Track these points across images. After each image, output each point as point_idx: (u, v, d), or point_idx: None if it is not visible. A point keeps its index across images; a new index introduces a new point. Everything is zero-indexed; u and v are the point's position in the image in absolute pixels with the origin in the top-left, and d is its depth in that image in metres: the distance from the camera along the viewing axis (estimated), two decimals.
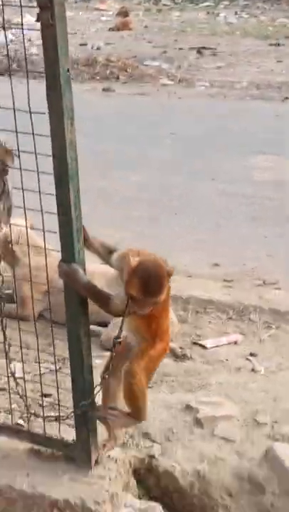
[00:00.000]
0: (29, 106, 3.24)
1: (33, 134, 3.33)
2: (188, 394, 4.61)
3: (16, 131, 3.41)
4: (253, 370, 4.98)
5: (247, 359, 5.13)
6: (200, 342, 5.38)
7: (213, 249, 7.66)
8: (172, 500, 4.06)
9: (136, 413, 3.76)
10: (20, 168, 3.47)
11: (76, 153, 3.32)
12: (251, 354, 5.20)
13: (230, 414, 4.40)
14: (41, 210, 3.47)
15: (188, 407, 4.40)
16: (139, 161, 10.36)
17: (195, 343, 5.38)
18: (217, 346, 5.32)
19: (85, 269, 3.58)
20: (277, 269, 7.10)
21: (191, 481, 4.07)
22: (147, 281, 3.28)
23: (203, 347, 5.32)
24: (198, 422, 4.31)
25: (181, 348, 5.22)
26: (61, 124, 3.20)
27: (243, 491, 4.04)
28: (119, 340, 3.59)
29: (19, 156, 3.48)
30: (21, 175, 3.47)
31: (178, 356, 5.13)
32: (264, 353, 5.21)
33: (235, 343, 5.39)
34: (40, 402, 4.36)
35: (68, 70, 3.18)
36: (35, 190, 3.41)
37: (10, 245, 5.31)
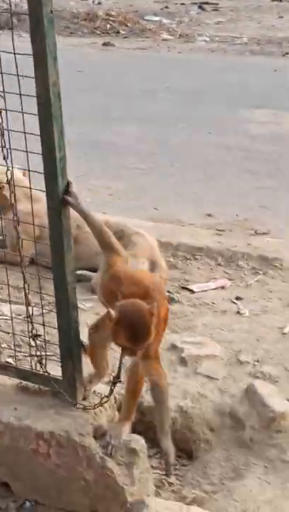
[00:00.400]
0: (13, 46, 3.32)
1: (17, 75, 3.40)
2: (174, 335, 4.74)
3: (1, 73, 3.49)
4: (238, 312, 5.11)
5: (233, 302, 5.25)
6: (188, 286, 5.50)
7: (206, 200, 7.76)
8: (156, 435, 4.18)
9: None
10: (6, 110, 3.55)
11: (59, 93, 3.39)
12: (237, 298, 5.32)
13: (213, 353, 4.53)
14: (26, 150, 3.56)
15: (174, 347, 4.54)
16: (136, 114, 10.42)
17: (183, 288, 5.49)
18: (204, 291, 5.44)
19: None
20: (270, 220, 7.21)
21: (174, 417, 4.20)
22: (133, 332, 3.29)
23: (191, 291, 5.44)
24: (182, 361, 4.45)
25: (168, 292, 5.33)
26: (44, 64, 3.27)
27: (224, 426, 4.18)
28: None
29: (4, 98, 3.56)
30: (6, 117, 3.55)
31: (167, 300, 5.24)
32: (250, 297, 5.33)
33: (223, 287, 5.51)
34: (30, 343, 4.50)
35: (52, 12, 3.26)
36: (19, 131, 3.50)
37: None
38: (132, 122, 10.12)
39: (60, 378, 3.91)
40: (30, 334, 4.32)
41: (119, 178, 8.25)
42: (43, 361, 4.00)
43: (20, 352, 4.24)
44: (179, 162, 8.83)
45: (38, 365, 3.99)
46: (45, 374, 3.95)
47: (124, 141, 9.47)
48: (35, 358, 4.09)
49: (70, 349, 3.83)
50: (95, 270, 5.54)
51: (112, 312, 3.29)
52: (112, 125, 10.04)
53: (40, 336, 4.50)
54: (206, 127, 9.98)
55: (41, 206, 3.88)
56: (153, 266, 5.55)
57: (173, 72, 12.80)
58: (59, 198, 3.58)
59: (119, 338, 3.32)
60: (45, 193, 3.59)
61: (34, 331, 3.93)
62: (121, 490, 3.71)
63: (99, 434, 3.76)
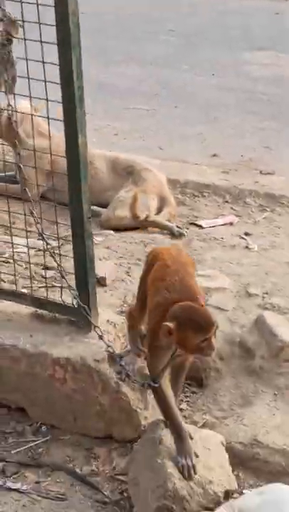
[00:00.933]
0: None
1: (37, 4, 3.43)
2: None
3: (21, 1, 3.51)
4: (246, 247, 5.18)
5: (241, 238, 5.32)
6: (196, 222, 5.57)
7: (211, 141, 7.77)
8: None
9: None
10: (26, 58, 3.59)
11: (78, 23, 3.42)
12: (246, 233, 5.39)
13: (223, 286, 4.61)
14: (46, 99, 3.60)
15: None
16: (138, 57, 10.36)
17: (192, 223, 5.57)
18: (213, 226, 5.51)
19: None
20: (274, 160, 7.23)
21: None
22: (200, 321, 3.19)
23: (200, 227, 5.51)
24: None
25: (178, 227, 5.40)
26: None
27: (234, 356, 4.28)
28: (156, 384, 3.46)
29: (23, 27, 3.59)
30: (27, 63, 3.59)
31: (175, 234, 5.32)
32: (258, 233, 5.40)
33: (231, 224, 5.58)
34: (43, 274, 4.58)
35: None
36: (40, 79, 3.53)
37: (13, 125, 5.41)
38: (134, 64, 10.07)
39: (76, 306, 3.99)
40: (45, 265, 4.42)
41: (123, 119, 8.25)
42: (58, 293, 4.09)
43: (35, 282, 4.32)
44: (182, 104, 8.81)
45: (54, 293, 4.08)
46: (61, 302, 4.04)
47: (127, 83, 9.44)
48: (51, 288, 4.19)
49: (86, 277, 3.91)
50: (105, 206, 5.61)
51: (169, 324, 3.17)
52: (114, 67, 9.99)
53: (52, 268, 4.60)
54: (209, 69, 9.94)
55: (53, 142, 3.92)
56: (162, 202, 5.62)
57: (175, 14, 12.69)
58: (75, 126, 3.62)
59: (190, 339, 3.19)
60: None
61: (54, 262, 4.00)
62: (135, 413, 3.82)
63: (113, 360, 3.84)
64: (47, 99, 3.67)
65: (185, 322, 3.18)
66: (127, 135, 7.82)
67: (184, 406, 4.09)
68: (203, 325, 3.18)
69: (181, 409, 4.06)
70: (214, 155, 7.39)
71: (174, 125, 8.16)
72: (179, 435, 3.40)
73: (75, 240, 3.87)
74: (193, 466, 3.36)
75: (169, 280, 3.36)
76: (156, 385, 3.42)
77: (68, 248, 4.12)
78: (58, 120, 3.64)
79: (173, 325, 3.17)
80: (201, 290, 3.47)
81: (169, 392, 3.45)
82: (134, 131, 7.90)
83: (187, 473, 3.34)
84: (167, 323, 3.18)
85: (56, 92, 3.58)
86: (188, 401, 4.14)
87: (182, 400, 4.13)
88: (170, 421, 3.44)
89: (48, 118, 3.76)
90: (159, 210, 5.59)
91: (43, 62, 3.55)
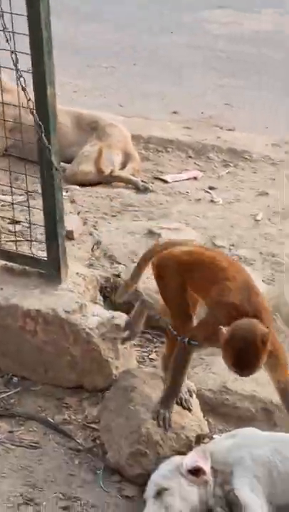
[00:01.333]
0: None
1: None
2: (150, 221, 4.86)
3: None
4: (211, 201, 5.24)
5: (206, 192, 5.38)
6: (161, 177, 5.61)
7: (171, 98, 7.78)
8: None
9: None
10: None
11: None
12: (210, 188, 5.45)
13: (190, 238, 4.65)
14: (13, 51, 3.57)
15: (151, 232, 4.66)
16: (100, 16, 10.28)
17: (156, 178, 5.60)
18: (178, 181, 5.55)
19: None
20: (234, 117, 7.28)
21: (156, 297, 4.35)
22: (242, 359, 3.07)
23: (165, 181, 5.55)
24: None
25: (143, 181, 5.43)
26: None
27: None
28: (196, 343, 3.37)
29: None
30: None
31: (140, 189, 5.35)
32: (222, 187, 5.46)
33: (195, 178, 5.62)
34: (10, 228, 4.59)
35: None
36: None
37: None
38: (94, 23, 9.99)
39: (45, 259, 4.01)
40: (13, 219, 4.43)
41: (83, 77, 8.21)
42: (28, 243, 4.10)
43: (3, 236, 4.33)
44: (143, 62, 8.78)
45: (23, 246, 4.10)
46: (31, 255, 4.05)
47: (87, 42, 9.38)
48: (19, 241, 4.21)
49: (55, 230, 3.93)
50: (69, 161, 5.62)
51: (224, 330, 3.09)
52: (76, 25, 9.91)
53: (19, 222, 4.61)
54: (168, 28, 9.91)
55: (14, 97, 3.89)
56: (126, 157, 5.64)
57: None
58: (44, 79, 3.62)
59: (228, 360, 3.13)
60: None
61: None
62: (106, 363, 3.86)
63: None
64: (14, 52, 3.64)
65: (233, 346, 3.08)
66: (87, 92, 7.79)
67: (153, 356, 4.15)
68: (239, 365, 3.10)
69: (151, 359, 4.13)
70: (174, 112, 7.40)
71: (134, 83, 8.15)
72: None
73: (44, 193, 3.88)
74: (170, 420, 3.41)
75: (235, 282, 3.24)
76: (195, 343, 3.36)
77: (36, 203, 4.14)
78: (26, 72, 3.62)
79: (225, 334, 3.08)
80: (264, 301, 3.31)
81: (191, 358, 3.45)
82: (94, 89, 7.88)
83: (163, 422, 3.40)
84: (223, 329, 3.09)
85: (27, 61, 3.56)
86: (157, 351, 4.20)
87: (152, 351, 4.19)
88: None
89: (16, 70, 3.74)
90: (124, 165, 5.61)
91: (11, 14, 3.53)
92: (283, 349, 3.32)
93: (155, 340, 4.29)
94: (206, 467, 3.26)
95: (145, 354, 4.19)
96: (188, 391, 3.59)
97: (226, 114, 7.39)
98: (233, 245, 4.62)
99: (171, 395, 3.44)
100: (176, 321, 3.47)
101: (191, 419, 3.52)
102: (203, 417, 3.63)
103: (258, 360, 3.07)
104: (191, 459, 3.27)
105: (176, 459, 3.31)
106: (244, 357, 3.06)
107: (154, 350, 4.21)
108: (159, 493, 3.19)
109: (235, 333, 3.06)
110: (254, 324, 3.09)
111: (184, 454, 3.35)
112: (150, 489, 3.23)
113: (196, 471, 3.24)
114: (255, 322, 3.10)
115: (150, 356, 4.15)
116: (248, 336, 3.04)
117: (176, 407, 3.49)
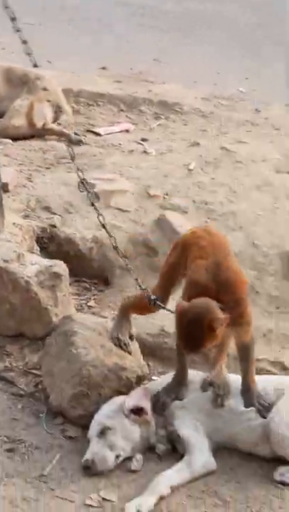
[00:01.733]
0: None
1: None
2: (84, 172, 4.87)
3: None
4: (144, 152, 5.28)
5: (139, 143, 5.42)
6: (94, 130, 5.63)
7: (99, 54, 7.77)
8: (73, 265, 4.36)
9: None
10: None
11: None
12: (142, 139, 5.49)
13: (124, 188, 4.72)
14: None
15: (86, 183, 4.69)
16: None
17: (89, 131, 5.62)
18: (110, 133, 5.58)
19: None
20: (163, 73, 7.32)
21: (90, 247, 4.40)
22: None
23: (97, 134, 5.57)
24: (95, 196, 4.61)
25: (76, 134, 5.45)
26: None
27: (138, 254, 4.42)
28: None
29: None
30: None
31: (73, 142, 5.35)
32: (154, 139, 5.50)
33: (127, 131, 5.66)
34: None
35: None
36: None
37: None
38: None
39: None
40: None
41: (11, 34, 8.12)
42: None
43: None
44: (71, 17, 8.74)
45: None
46: None
47: None
48: None
49: None
50: (0, 116, 5.60)
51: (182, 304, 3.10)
52: None
53: None
54: None
55: None
56: (57, 110, 5.64)
57: None
58: None
59: (176, 333, 3.15)
60: None
61: None
62: (45, 311, 3.90)
63: None
64: None
65: (180, 325, 3.09)
66: (14, 49, 7.70)
67: (92, 303, 4.21)
68: (184, 343, 3.12)
69: (89, 307, 4.19)
70: (103, 68, 7.40)
71: (62, 38, 8.11)
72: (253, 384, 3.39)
73: None
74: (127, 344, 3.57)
75: (205, 260, 3.24)
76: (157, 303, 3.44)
77: None
78: None
79: (178, 309, 3.10)
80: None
81: None
82: (21, 45, 7.79)
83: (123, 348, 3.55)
84: (181, 302, 3.11)
85: None
86: (95, 299, 4.26)
87: (90, 298, 4.25)
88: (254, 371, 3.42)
89: None
90: (56, 119, 5.61)
91: None
92: (250, 318, 3.28)
93: (92, 288, 4.35)
94: (147, 406, 3.36)
95: (83, 302, 4.25)
96: (130, 335, 3.66)
97: (154, 69, 7.43)
98: (167, 194, 4.69)
99: None
100: (155, 286, 3.52)
101: (132, 361, 3.59)
102: (143, 359, 3.70)
103: (202, 344, 3.05)
104: (132, 399, 3.37)
105: (119, 399, 3.40)
106: (188, 337, 3.07)
107: (92, 297, 4.27)
108: (103, 432, 3.28)
109: (185, 313, 3.07)
110: (207, 308, 3.06)
111: (124, 393, 3.44)
112: (94, 428, 3.31)
113: (137, 411, 3.34)
114: (209, 306, 3.06)
115: (88, 304, 4.21)
116: (196, 319, 3.03)
117: (117, 351, 3.56)
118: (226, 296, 3.12)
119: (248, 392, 3.36)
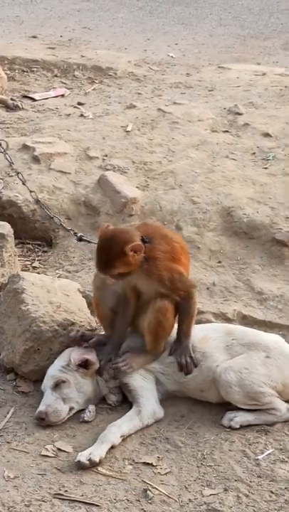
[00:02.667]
0: None
1: None
2: (23, 137, 4.91)
3: None
4: (81, 115, 5.32)
5: (75, 107, 5.45)
6: (29, 95, 5.65)
7: (29, 23, 7.78)
8: (17, 227, 4.40)
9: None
10: None
11: None
12: (79, 103, 5.53)
13: (64, 151, 4.76)
14: None
15: (25, 147, 4.73)
16: None
17: (25, 97, 5.64)
18: (46, 99, 5.61)
19: None
20: (93, 40, 7.37)
21: (33, 209, 4.45)
22: (99, 255, 3.22)
23: (33, 99, 5.60)
24: (35, 159, 4.66)
25: (12, 99, 5.46)
26: None
27: (80, 214, 4.47)
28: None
29: None
30: None
31: (10, 107, 5.37)
32: (90, 103, 5.55)
33: (62, 96, 5.70)
34: None
35: None
36: None
37: None
38: None
39: None
40: None
41: None
42: None
43: None
44: None
45: None
46: None
47: None
48: None
49: None
50: None
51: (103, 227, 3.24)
52: None
53: None
54: None
55: None
56: None
57: None
58: None
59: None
60: None
61: None
62: None
63: None
64: None
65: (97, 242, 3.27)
66: None
67: (36, 264, 4.26)
68: (96, 259, 3.25)
69: (34, 267, 4.24)
70: (34, 37, 7.42)
71: None
72: (185, 339, 3.46)
73: None
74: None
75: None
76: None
77: None
78: None
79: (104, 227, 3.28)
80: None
81: None
82: None
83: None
84: (105, 225, 3.29)
85: None
86: (40, 259, 4.31)
87: (34, 259, 4.30)
88: (189, 326, 3.48)
89: None
90: None
91: None
92: (175, 273, 3.35)
93: (37, 249, 4.40)
94: (92, 357, 3.43)
95: (28, 263, 4.29)
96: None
97: (84, 37, 7.47)
98: (106, 156, 4.74)
99: (186, 339, 3.48)
100: None
101: (80, 316, 3.66)
102: (91, 314, 3.77)
103: (112, 264, 3.18)
104: (77, 354, 3.43)
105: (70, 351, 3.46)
106: (101, 255, 3.21)
107: (36, 259, 4.32)
108: (57, 385, 3.35)
109: (105, 233, 3.22)
110: (126, 232, 3.23)
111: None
112: (48, 381, 3.38)
113: (84, 364, 3.41)
114: (128, 231, 3.22)
115: (33, 265, 4.26)
116: (111, 239, 3.18)
117: (63, 303, 3.62)
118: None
119: (178, 344, 3.46)
